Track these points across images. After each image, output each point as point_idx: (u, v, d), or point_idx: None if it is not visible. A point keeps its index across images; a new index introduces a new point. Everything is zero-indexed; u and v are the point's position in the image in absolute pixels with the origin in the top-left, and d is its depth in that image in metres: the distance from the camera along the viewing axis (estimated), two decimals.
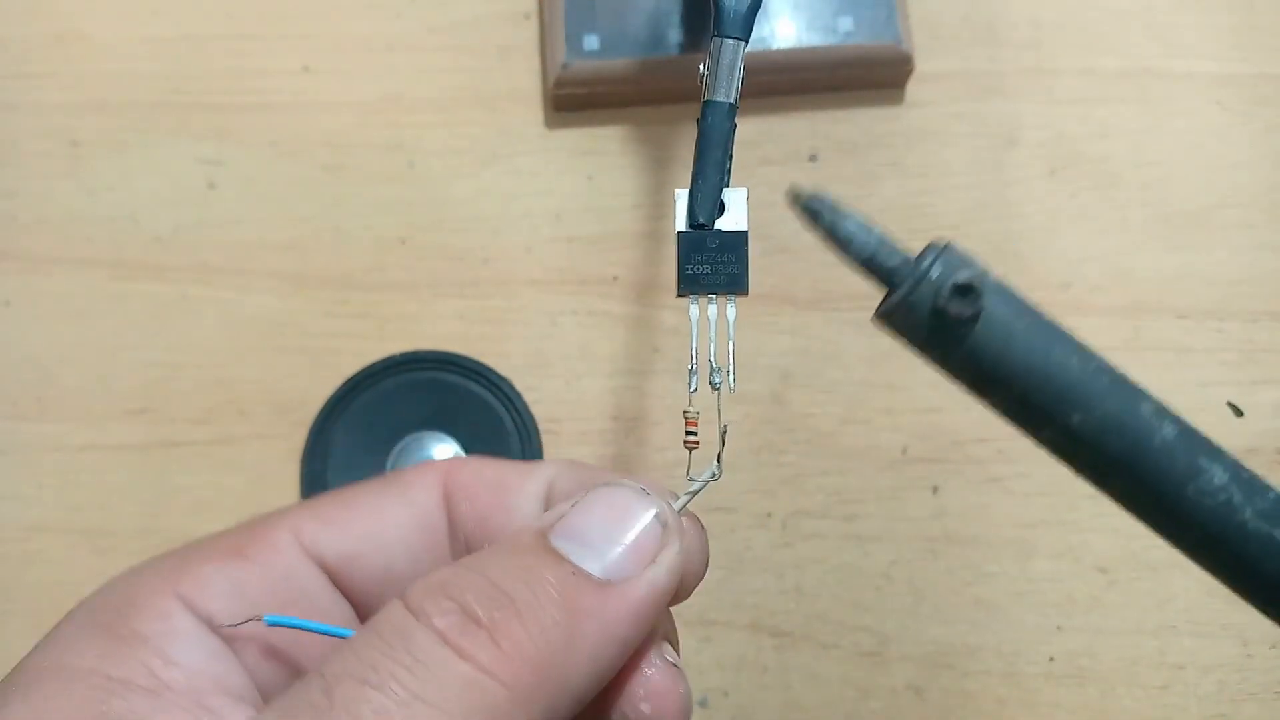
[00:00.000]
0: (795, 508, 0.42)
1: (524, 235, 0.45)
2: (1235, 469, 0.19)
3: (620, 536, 0.22)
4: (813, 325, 0.44)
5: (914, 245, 0.47)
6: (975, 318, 0.19)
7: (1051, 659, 0.41)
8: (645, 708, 0.22)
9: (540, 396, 0.43)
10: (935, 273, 0.19)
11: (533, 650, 0.20)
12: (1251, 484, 0.19)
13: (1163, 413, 0.19)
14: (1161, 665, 0.40)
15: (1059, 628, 0.41)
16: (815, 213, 0.21)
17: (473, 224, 0.46)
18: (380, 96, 0.47)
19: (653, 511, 0.23)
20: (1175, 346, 0.44)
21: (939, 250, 0.19)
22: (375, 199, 0.46)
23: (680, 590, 0.23)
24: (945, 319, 0.19)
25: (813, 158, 0.46)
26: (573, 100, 0.46)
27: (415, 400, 0.43)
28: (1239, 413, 0.43)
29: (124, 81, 0.48)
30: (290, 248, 0.45)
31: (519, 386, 0.43)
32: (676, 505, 0.24)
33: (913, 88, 0.47)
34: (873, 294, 0.46)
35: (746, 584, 0.41)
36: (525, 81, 0.47)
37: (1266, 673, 0.40)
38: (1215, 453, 0.19)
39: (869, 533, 0.42)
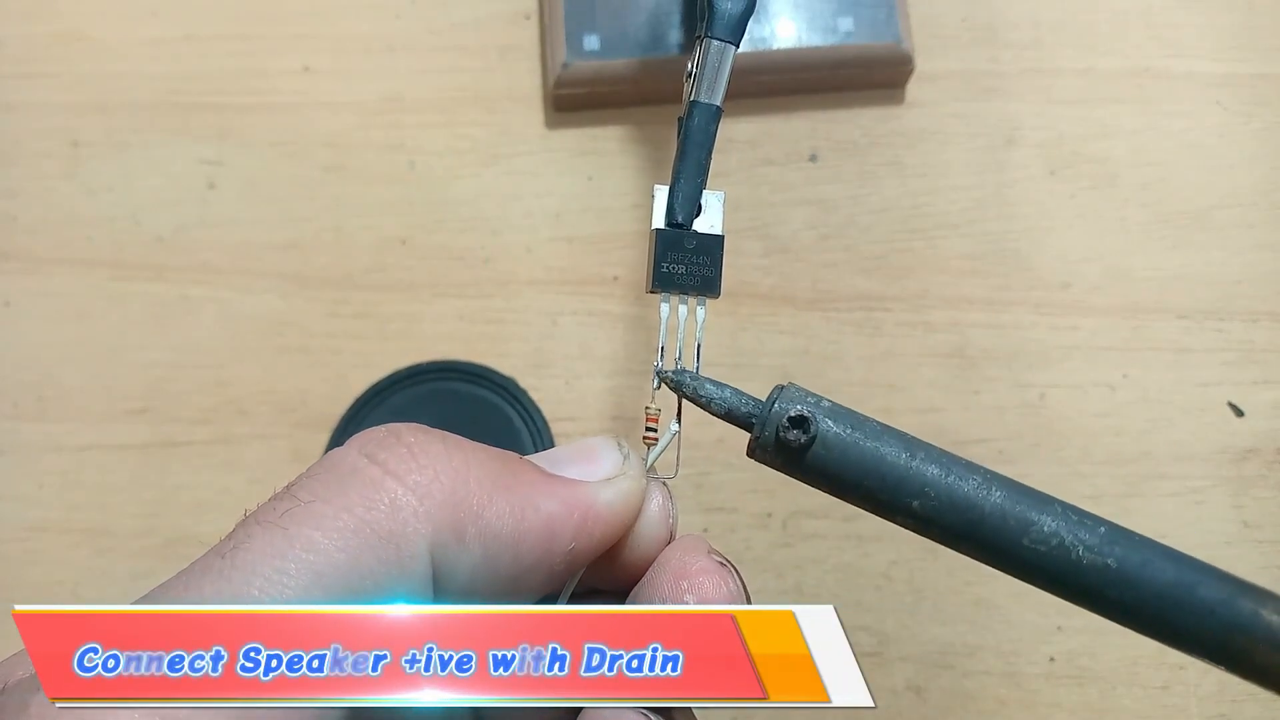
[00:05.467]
0: (795, 508, 0.42)
1: (524, 235, 0.45)
2: (1064, 514, 0.22)
3: (582, 461, 0.24)
4: (813, 325, 0.44)
5: (914, 245, 0.47)
6: (812, 441, 0.23)
7: (1051, 659, 0.41)
8: None
9: (541, 396, 0.43)
10: (776, 411, 0.23)
11: (449, 468, 0.21)
12: (1080, 524, 0.22)
13: (989, 482, 0.22)
14: (1162, 665, 0.40)
15: (1059, 628, 0.41)
16: (679, 384, 0.25)
17: (473, 224, 0.46)
18: (380, 97, 0.47)
19: (619, 453, 0.24)
20: (1175, 346, 0.44)
21: (779, 391, 0.23)
22: (376, 199, 0.46)
23: (638, 542, 0.24)
24: (789, 446, 0.23)
25: (813, 157, 0.46)
26: (573, 100, 0.46)
27: (424, 412, 0.42)
28: (1239, 413, 0.43)
29: (124, 82, 0.48)
30: (290, 248, 0.45)
31: (520, 386, 0.43)
32: (649, 458, 0.26)
33: (913, 88, 0.47)
34: (873, 293, 0.46)
35: (746, 584, 0.41)
36: (525, 82, 0.47)
37: None
38: (1044, 504, 0.22)
39: (869, 533, 0.42)
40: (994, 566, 0.23)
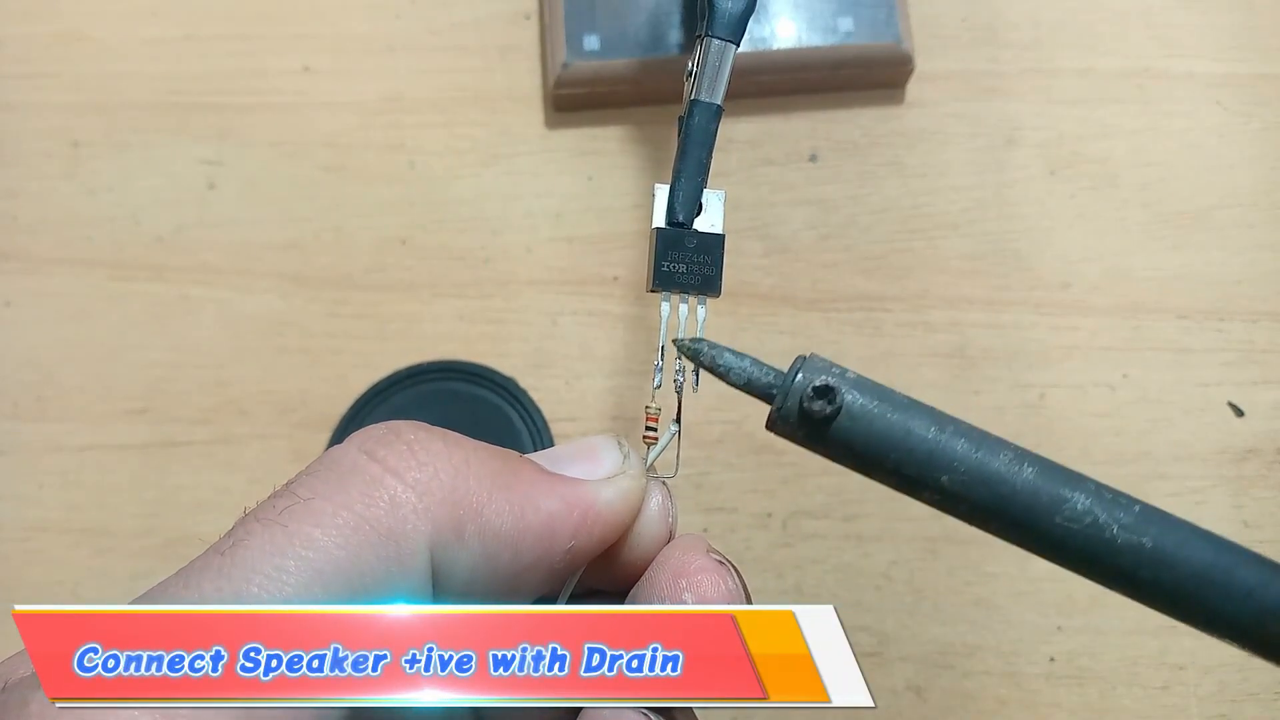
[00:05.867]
0: (795, 508, 0.42)
1: (524, 235, 0.45)
2: (1097, 492, 0.21)
3: (583, 460, 0.24)
4: (813, 325, 0.44)
5: (914, 245, 0.47)
6: (837, 412, 0.22)
7: (1051, 659, 0.41)
8: None
9: (540, 396, 0.43)
10: (799, 381, 0.22)
11: (449, 466, 0.21)
12: (1115, 502, 0.21)
13: (1021, 458, 0.22)
14: (1162, 665, 0.40)
15: (1059, 628, 0.41)
16: (696, 352, 0.24)
17: (473, 224, 0.46)
18: (380, 96, 0.47)
19: (620, 452, 0.24)
20: (1175, 346, 0.44)
21: (801, 362, 0.23)
22: (376, 199, 0.46)
23: (638, 541, 0.24)
24: (813, 417, 0.22)
25: (813, 158, 0.46)
26: (573, 100, 0.46)
27: (425, 413, 0.43)
28: (1239, 413, 0.43)
29: (124, 82, 0.48)
30: (290, 248, 0.45)
31: (520, 386, 0.43)
32: (649, 458, 0.25)
33: (913, 88, 0.47)
34: (873, 293, 0.46)
35: (747, 584, 0.41)
36: (525, 82, 0.47)
37: (1267, 673, 0.40)
38: (1076, 481, 0.21)
39: (869, 533, 0.42)
40: (1024, 546, 0.22)
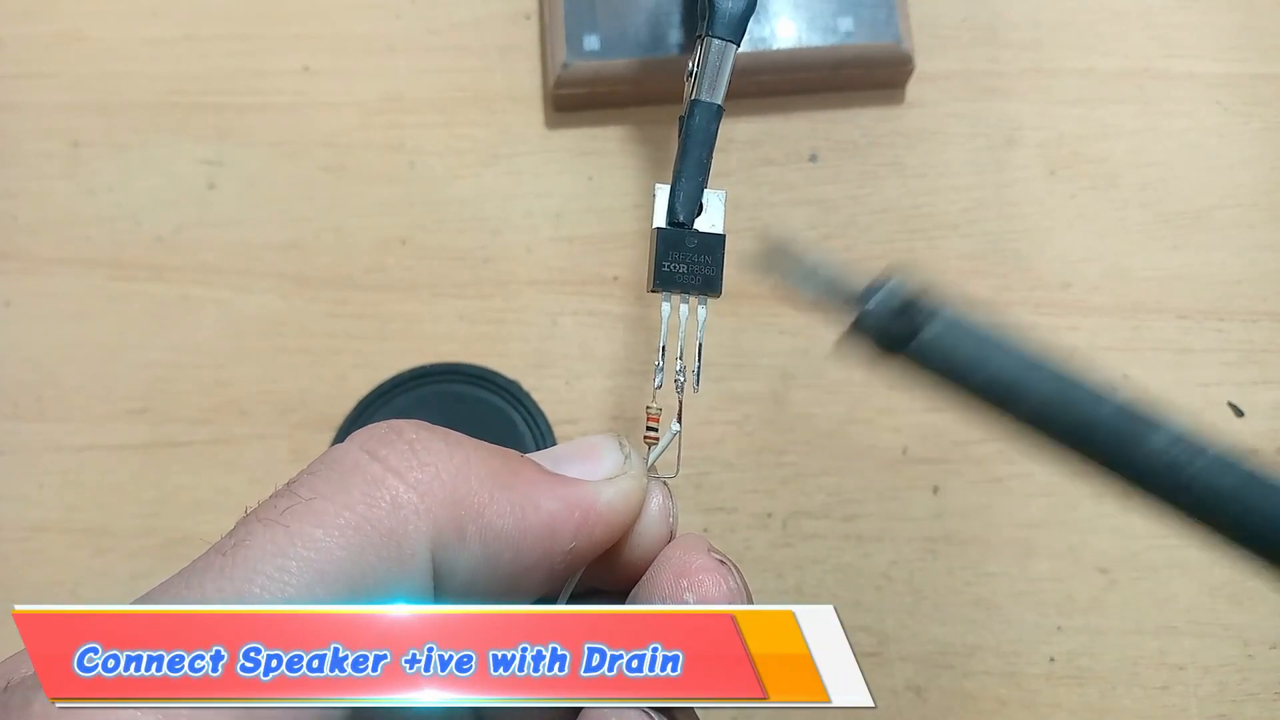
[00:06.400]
0: (795, 508, 0.42)
1: (524, 235, 0.45)
2: (1175, 435, 0.22)
3: (583, 459, 0.24)
4: (813, 325, 0.44)
5: (914, 245, 0.47)
6: (928, 320, 0.22)
7: (1051, 659, 0.41)
8: None
9: (541, 397, 0.43)
10: (891, 286, 0.22)
11: (450, 466, 0.21)
12: (1191, 446, 0.22)
13: (1106, 390, 0.22)
14: (1162, 665, 0.40)
15: (1059, 628, 0.41)
16: (781, 252, 0.24)
17: (473, 224, 0.46)
18: (380, 96, 0.47)
19: (621, 452, 0.24)
20: (1175, 346, 0.44)
21: (890, 277, 0.23)
22: (376, 199, 0.46)
23: (638, 541, 0.24)
24: (904, 324, 0.22)
25: (813, 158, 0.46)
26: (573, 100, 0.46)
27: (428, 414, 0.42)
28: (1239, 413, 0.43)
29: (124, 82, 0.48)
30: (290, 248, 0.45)
31: (524, 389, 0.43)
32: (649, 458, 0.25)
33: (913, 88, 0.47)
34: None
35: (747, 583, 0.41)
36: (525, 82, 0.47)
37: (1267, 673, 0.40)
38: (1158, 420, 0.22)
39: (869, 533, 0.42)
40: (1104, 473, 0.22)
